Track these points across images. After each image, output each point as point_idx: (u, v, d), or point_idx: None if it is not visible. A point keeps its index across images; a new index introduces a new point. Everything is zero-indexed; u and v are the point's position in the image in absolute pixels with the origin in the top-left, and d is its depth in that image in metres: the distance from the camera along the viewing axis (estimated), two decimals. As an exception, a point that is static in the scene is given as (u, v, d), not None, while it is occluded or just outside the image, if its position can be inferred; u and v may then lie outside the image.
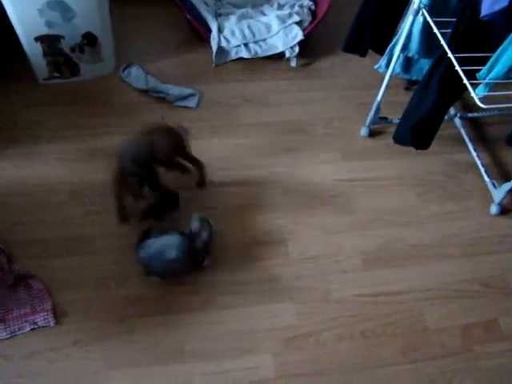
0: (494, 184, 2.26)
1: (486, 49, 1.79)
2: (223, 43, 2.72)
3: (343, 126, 2.55)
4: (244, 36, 2.73)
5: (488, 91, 1.80)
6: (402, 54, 2.23)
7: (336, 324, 1.93)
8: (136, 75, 2.62)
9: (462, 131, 2.51)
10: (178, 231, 1.92)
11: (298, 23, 2.80)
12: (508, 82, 1.76)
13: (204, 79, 2.68)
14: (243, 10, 2.89)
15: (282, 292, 1.98)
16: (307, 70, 2.82)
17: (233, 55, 2.76)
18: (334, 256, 2.10)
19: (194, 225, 1.93)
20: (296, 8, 2.87)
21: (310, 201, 2.25)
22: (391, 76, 2.28)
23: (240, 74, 2.74)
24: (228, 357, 1.82)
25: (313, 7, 2.92)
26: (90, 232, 2.07)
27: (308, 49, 2.85)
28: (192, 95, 2.58)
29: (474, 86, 1.79)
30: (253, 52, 2.74)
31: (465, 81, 1.78)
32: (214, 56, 2.72)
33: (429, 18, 1.95)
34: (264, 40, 2.76)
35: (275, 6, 2.95)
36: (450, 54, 1.83)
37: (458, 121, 2.56)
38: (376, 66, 2.38)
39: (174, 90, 2.57)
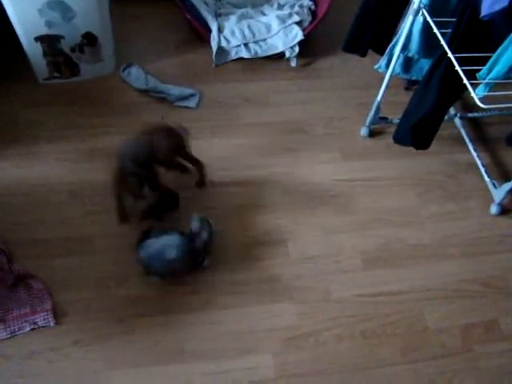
0: (494, 184, 2.26)
1: (486, 49, 1.79)
2: (223, 43, 2.72)
3: (343, 125, 2.55)
4: (244, 36, 2.73)
5: (488, 91, 1.80)
6: (402, 54, 2.23)
7: (336, 324, 1.92)
8: (136, 75, 2.62)
9: (462, 131, 2.51)
10: (177, 231, 1.92)
11: (298, 23, 2.80)
12: (508, 81, 1.76)
13: (204, 79, 2.68)
14: (243, 10, 2.89)
15: (282, 292, 1.98)
16: (307, 70, 2.82)
17: (233, 55, 2.76)
18: (334, 256, 2.10)
19: (194, 225, 1.93)
20: (296, 8, 2.87)
21: (310, 201, 2.25)
22: (391, 76, 2.28)
23: (240, 74, 2.74)
24: (228, 357, 1.82)
25: (313, 7, 2.92)
26: (90, 232, 2.07)
27: (308, 49, 2.85)
28: (192, 95, 2.58)
29: (474, 86, 1.79)
30: (253, 52, 2.74)
31: (465, 81, 1.78)
32: (214, 56, 2.72)
33: (429, 18, 1.94)
34: (264, 40, 2.76)
35: (275, 5, 2.95)
36: (450, 54, 1.83)
37: (458, 121, 2.56)
38: (376, 66, 2.38)
39: (174, 90, 2.57)
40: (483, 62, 1.77)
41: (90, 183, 2.17)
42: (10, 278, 1.90)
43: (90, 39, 2.43)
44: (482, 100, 1.76)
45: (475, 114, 2.61)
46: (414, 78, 2.43)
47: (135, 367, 1.77)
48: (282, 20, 2.79)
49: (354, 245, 2.14)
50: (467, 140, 2.46)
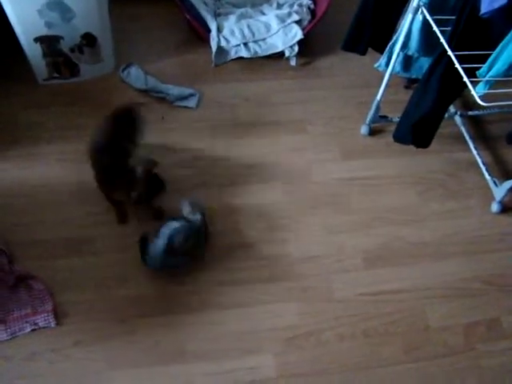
0: (494, 182, 2.26)
1: (486, 46, 1.79)
2: (223, 43, 2.72)
3: (343, 124, 2.55)
4: (243, 35, 2.73)
5: (488, 89, 1.80)
6: (401, 53, 2.23)
7: (337, 323, 1.92)
8: (136, 75, 2.62)
9: (463, 129, 2.50)
10: (170, 219, 1.92)
11: (298, 22, 2.80)
12: (508, 79, 1.76)
13: (204, 79, 2.68)
14: (242, 10, 2.89)
15: (283, 292, 1.98)
16: (307, 69, 2.82)
17: (232, 55, 2.75)
18: (335, 255, 2.09)
19: (186, 209, 1.95)
20: (295, 7, 2.87)
21: (310, 200, 2.25)
22: (391, 75, 2.28)
23: (240, 73, 2.74)
24: (229, 357, 1.82)
25: (312, 6, 2.91)
26: (90, 233, 2.07)
27: (308, 48, 2.84)
28: (192, 95, 2.58)
29: (474, 83, 1.79)
30: (252, 51, 2.74)
31: (465, 79, 1.77)
32: (213, 56, 2.72)
33: (428, 16, 1.94)
34: (263, 39, 2.76)
35: (274, 5, 2.95)
36: (449, 52, 1.82)
37: (458, 119, 2.55)
38: (376, 65, 2.37)
39: (173, 90, 2.57)
40: (483, 59, 1.77)
41: (90, 183, 2.16)
42: (10, 278, 1.90)
43: (89, 40, 2.43)
44: (482, 98, 1.76)
45: (475, 112, 2.60)
46: (413, 77, 2.43)
47: (136, 368, 1.77)
48: (282, 19, 2.79)
49: (355, 244, 2.13)
50: (468, 138, 2.46)
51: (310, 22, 2.84)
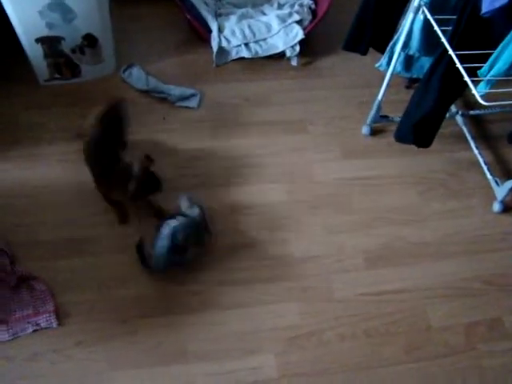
0: (496, 182, 2.26)
1: (487, 46, 1.78)
2: (224, 43, 2.72)
3: (344, 124, 2.55)
4: (244, 36, 2.73)
5: (490, 88, 1.80)
6: (402, 53, 2.23)
7: (339, 323, 1.92)
8: (137, 76, 2.62)
9: (464, 129, 2.50)
10: (167, 218, 1.92)
11: (299, 22, 2.80)
12: (509, 79, 1.75)
13: (205, 79, 2.68)
14: (243, 10, 2.89)
15: (284, 292, 1.98)
16: (308, 69, 2.82)
17: (233, 55, 2.75)
18: (336, 255, 2.09)
19: (184, 205, 1.96)
20: (296, 7, 2.87)
21: (311, 200, 2.25)
22: (392, 74, 2.27)
23: (240, 73, 2.74)
24: (231, 357, 1.82)
25: (313, 6, 2.91)
26: (92, 233, 2.07)
27: (309, 48, 2.84)
28: (193, 95, 2.58)
29: (476, 83, 1.79)
30: (253, 52, 2.74)
31: (466, 78, 1.77)
32: (214, 56, 2.72)
33: (429, 16, 1.94)
34: (264, 39, 2.76)
35: (275, 5, 2.95)
36: (450, 52, 1.82)
37: (459, 118, 2.55)
38: (377, 65, 2.38)
39: (175, 91, 2.57)
40: (484, 59, 1.77)
41: (91, 184, 2.16)
42: (12, 279, 1.90)
43: (90, 40, 2.43)
44: (483, 97, 1.76)
45: (477, 112, 2.60)
46: (414, 76, 2.43)
47: (138, 368, 1.77)
48: (283, 19, 2.79)
49: (356, 244, 2.13)
50: (469, 138, 2.45)
51: (310, 21, 2.84)
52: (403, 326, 1.93)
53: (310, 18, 2.86)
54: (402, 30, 2.13)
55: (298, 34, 2.75)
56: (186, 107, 2.54)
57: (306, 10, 2.87)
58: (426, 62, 2.26)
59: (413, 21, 2.06)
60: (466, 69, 1.78)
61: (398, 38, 2.18)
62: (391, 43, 2.25)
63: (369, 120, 2.47)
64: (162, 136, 2.39)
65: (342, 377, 1.80)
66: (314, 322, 1.92)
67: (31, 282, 1.91)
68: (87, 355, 1.78)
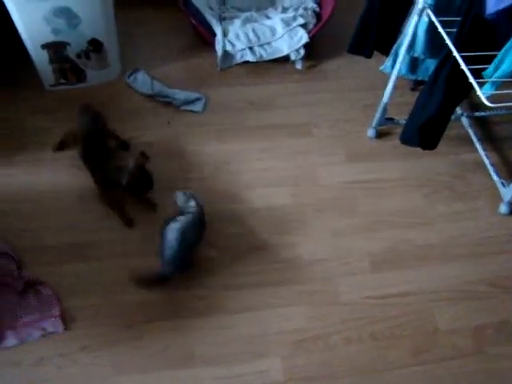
0: (503, 183, 2.25)
1: (492, 48, 1.78)
2: (228, 47, 2.72)
3: (350, 127, 2.54)
4: (249, 39, 2.73)
5: (495, 90, 1.79)
6: (407, 55, 2.22)
7: (345, 327, 1.92)
8: (142, 80, 2.63)
9: (469, 131, 2.49)
10: (166, 223, 1.92)
11: (303, 26, 2.79)
12: (515, 80, 1.75)
13: (209, 83, 2.69)
14: (247, 14, 2.89)
15: (291, 295, 1.98)
16: (313, 73, 2.81)
17: (238, 59, 2.76)
18: (342, 258, 2.09)
19: (180, 200, 1.97)
20: (300, 11, 2.87)
21: (316, 203, 2.25)
22: (397, 77, 2.27)
23: (245, 77, 2.74)
24: (238, 361, 1.81)
25: (317, 9, 2.91)
26: (97, 238, 2.07)
27: (313, 51, 2.84)
28: (198, 99, 2.58)
29: (480, 85, 1.78)
30: (258, 55, 2.74)
31: (471, 80, 1.77)
32: (219, 60, 2.72)
33: (434, 18, 1.94)
34: (269, 43, 2.76)
35: (279, 9, 2.95)
36: (455, 53, 1.82)
37: (464, 120, 2.54)
38: (381, 67, 2.37)
39: (180, 95, 2.57)
40: (489, 61, 1.76)
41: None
42: (19, 284, 1.90)
43: (95, 45, 2.44)
44: (489, 99, 1.75)
45: (482, 113, 2.59)
46: (419, 79, 2.42)
47: (143, 373, 1.77)
48: (287, 23, 2.79)
49: (362, 247, 2.13)
50: (475, 139, 2.44)
51: (315, 25, 2.84)
52: (409, 329, 1.92)
53: (314, 21, 2.86)
54: (407, 32, 2.12)
55: (303, 37, 2.75)
56: (191, 111, 2.55)
57: (310, 13, 2.87)
58: (430, 64, 2.26)
59: (417, 23, 2.06)
60: (471, 70, 1.78)
61: (402, 41, 2.18)
62: (395, 46, 2.25)
63: (374, 123, 2.47)
64: (167, 140, 2.40)
65: (349, 380, 1.80)
66: (320, 325, 1.91)
67: (38, 286, 1.92)
68: (93, 360, 1.78)
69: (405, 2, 2.16)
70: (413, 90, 2.68)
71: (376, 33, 2.27)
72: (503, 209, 2.25)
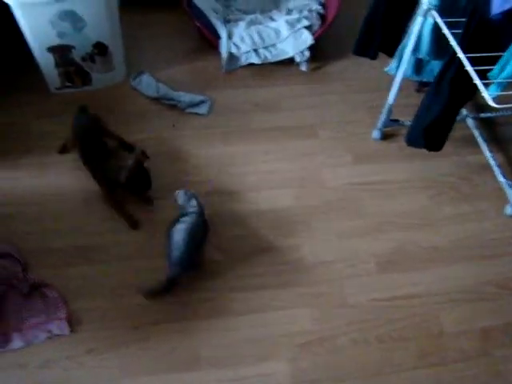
0: (509, 184, 2.24)
1: (497, 49, 1.77)
2: (233, 49, 2.72)
3: (355, 129, 2.54)
4: (253, 42, 2.73)
5: (501, 91, 1.79)
6: (412, 56, 2.22)
7: (351, 329, 1.91)
8: (147, 83, 2.63)
9: (475, 132, 2.49)
10: (172, 225, 1.92)
11: (308, 27, 2.80)
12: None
13: (214, 86, 2.69)
14: (252, 16, 2.89)
15: (296, 297, 1.97)
16: (318, 74, 2.82)
17: (243, 61, 2.76)
18: (348, 260, 2.09)
19: (181, 199, 1.98)
20: (305, 12, 2.87)
21: (322, 205, 2.24)
22: (402, 78, 2.26)
23: (250, 79, 2.75)
24: (244, 363, 1.81)
25: (322, 11, 2.91)
26: (103, 240, 2.07)
27: (318, 53, 2.84)
28: (203, 102, 2.58)
29: (486, 86, 1.78)
30: (263, 57, 2.74)
31: (476, 81, 1.76)
32: (224, 62, 2.72)
33: (438, 19, 1.93)
34: (274, 45, 2.76)
35: (284, 11, 2.95)
36: (460, 54, 1.81)
37: (470, 121, 2.54)
38: (386, 69, 2.37)
39: (185, 97, 2.58)
40: (494, 62, 1.75)
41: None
42: (24, 286, 1.91)
43: (100, 49, 2.45)
44: (494, 100, 1.74)
45: (488, 114, 2.58)
46: (424, 80, 2.41)
47: (150, 375, 1.77)
48: (291, 25, 2.79)
49: (367, 248, 2.12)
50: (481, 140, 2.44)
51: (320, 27, 2.84)
52: (415, 332, 1.92)
53: (318, 23, 2.86)
54: (412, 33, 2.12)
55: (308, 39, 2.75)
56: (196, 114, 2.55)
57: (314, 15, 2.87)
58: (435, 66, 2.25)
59: (422, 24, 2.05)
60: (476, 72, 1.77)
61: (407, 42, 2.18)
62: (400, 47, 2.24)
63: (379, 124, 2.46)
64: (173, 143, 2.40)
65: (354, 383, 1.79)
66: (326, 327, 1.91)
67: (43, 289, 1.92)
68: (99, 362, 1.78)
69: (409, 3, 2.16)
70: (418, 91, 2.67)
71: (381, 34, 2.27)
72: (509, 210, 2.25)
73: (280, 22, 2.83)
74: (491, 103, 1.73)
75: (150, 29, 2.95)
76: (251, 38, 2.74)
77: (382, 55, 2.38)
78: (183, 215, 1.93)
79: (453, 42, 1.85)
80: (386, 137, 2.50)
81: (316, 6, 2.91)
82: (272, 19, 2.91)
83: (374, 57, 2.38)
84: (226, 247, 2.07)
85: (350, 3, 2.92)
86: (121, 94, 2.61)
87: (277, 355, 1.83)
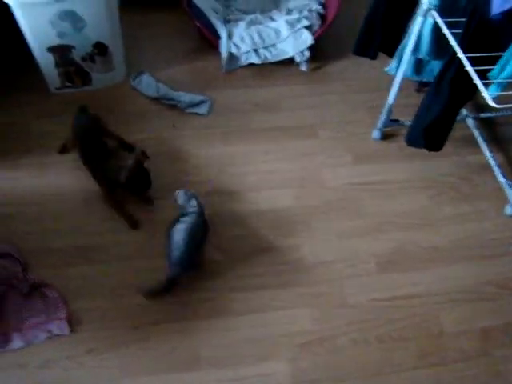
0: (509, 184, 2.24)
1: (497, 49, 1.77)
2: (233, 49, 2.72)
3: (355, 129, 2.54)
4: (253, 42, 2.73)
5: (501, 91, 1.79)
6: (412, 56, 2.22)
7: (351, 329, 1.91)
8: (147, 83, 2.63)
9: (475, 132, 2.49)
10: (172, 225, 1.92)
11: (308, 28, 2.80)
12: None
13: (214, 86, 2.69)
14: (252, 16, 2.89)
15: (296, 297, 1.97)
16: (318, 74, 2.82)
17: (243, 61, 2.76)
18: (348, 260, 2.09)
19: (181, 198, 1.98)
20: (305, 12, 2.87)
21: (322, 205, 2.24)
22: (402, 78, 2.26)
23: (250, 79, 2.75)
24: (244, 363, 1.81)
25: (322, 11, 2.91)
26: (103, 240, 2.07)
27: (318, 53, 2.84)
28: (203, 102, 2.58)
29: (486, 86, 1.78)
30: (263, 57, 2.74)
31: (477, 81, 1.76)
32: (224, 62, 2.72)
33: (438, 19, 1.93)
34: (274, 45, 2.76)
35: (284, 11, 2.95)
36: (460, 54, 1.81)
37: (470, 121, 2.54)
38: (386, 69, 2.37)
39: (185, 97, 2.58)
40: (494, 62, 1.75)
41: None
42: (24, 286, 1.91)
43: (100, 49, 2.45)
44: (494, 100, 1.74)
45: (488, 114, 2.58)
46: (424, 80, 2.41)
47: (150, 375, 1.77)
48: (291, 25, 2.79)
49: (367, 248, 2.12)
50: (481, 140, 2.44)
51: (320, 27, 2.84)
52: (415, 332, 1.92)
53: (319, 23, 2.86)
54: (412, 33, 2.12)
55: (308, 39, 2.75)
56: (196, 114, 2.55)
57: (314, 15, 2.87)
58: (436, 66, 2.25)
59: (422, 24, 2.05)
60: (476, 72, 1.77)
61: (407, 42, 2.17)
62: (400, 47, 2.24)
63: (379, 124, 2.46)
64: (173, 143, 2.40)
65: (354, 383, 1.79)
66: (326, 327, 1.91)
67: (43, 289, 1.92)
68: (99, 362, 1.78)
69: (409, 3, 2.16)
70: (418, 91, 2.67)
71: (381, 34, 2.27)
72: (509, 210, 2.24)
73: (280, 22, 2.83)
74: (491, 103, 1.73)
75: (150, 29, 2.95)
76: (251, 37, 2.74)
77: (382, 55, 2.38)
78: (183, 215, 1.94)
79: (453, 42, 1.85)
80: (386, 137, 2.50)
81: (316, 6, 2.91)
82: (272, 19, 2.91)
83: (374, 57, 2.38)
84: (226, 247, 2.07)
85: (350, 3, 2.92)
86: (121, 93, 2.61)
87: (277, 355, 1.83)
